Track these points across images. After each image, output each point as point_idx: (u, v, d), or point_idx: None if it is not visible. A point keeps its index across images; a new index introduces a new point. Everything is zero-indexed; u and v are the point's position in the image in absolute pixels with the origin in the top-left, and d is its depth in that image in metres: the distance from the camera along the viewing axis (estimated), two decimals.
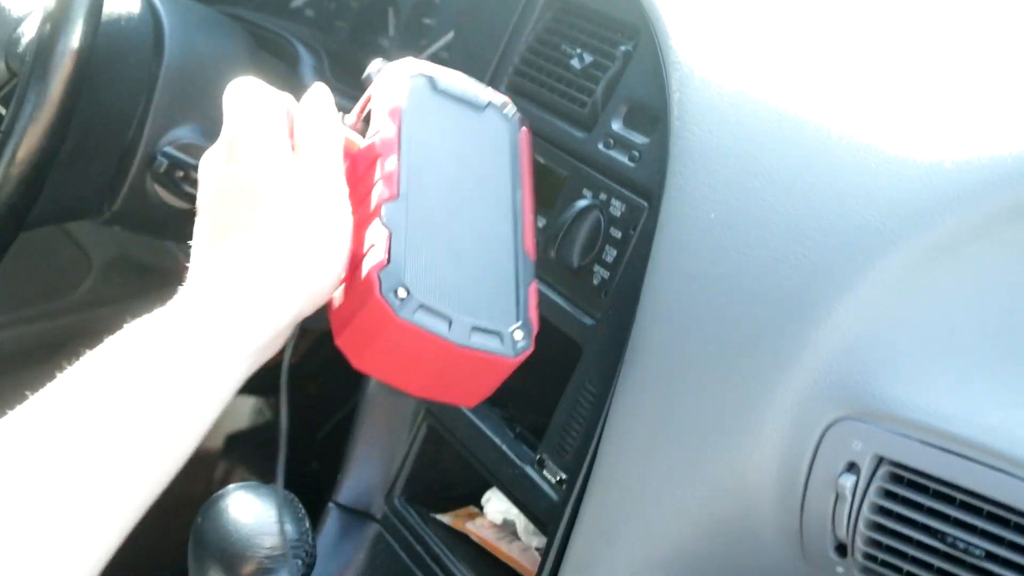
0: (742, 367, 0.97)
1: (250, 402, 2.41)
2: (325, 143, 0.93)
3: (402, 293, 0.90)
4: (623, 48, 1.23)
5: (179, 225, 1.60)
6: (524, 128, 1.04)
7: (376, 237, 0.91)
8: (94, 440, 0.80)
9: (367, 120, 1.02)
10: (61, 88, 1.25)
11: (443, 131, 1.01)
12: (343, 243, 0.91)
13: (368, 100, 1.03)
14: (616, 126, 1.20)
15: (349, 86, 1.61)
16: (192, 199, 1.53)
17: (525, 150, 1.05)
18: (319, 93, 0.97)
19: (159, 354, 0.83)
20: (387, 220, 0.92)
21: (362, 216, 0.93)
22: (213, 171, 0.95)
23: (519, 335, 0.95)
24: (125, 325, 0.89)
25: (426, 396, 1.00)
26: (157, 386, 0.82)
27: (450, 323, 0.91)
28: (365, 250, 0.92)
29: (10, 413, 0.81)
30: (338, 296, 0.94)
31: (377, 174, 0.94)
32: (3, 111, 1.38)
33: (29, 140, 1.26)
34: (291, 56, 1.68)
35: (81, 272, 2.36)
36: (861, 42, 1.09)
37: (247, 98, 0.95)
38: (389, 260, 0.90)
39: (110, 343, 0.84)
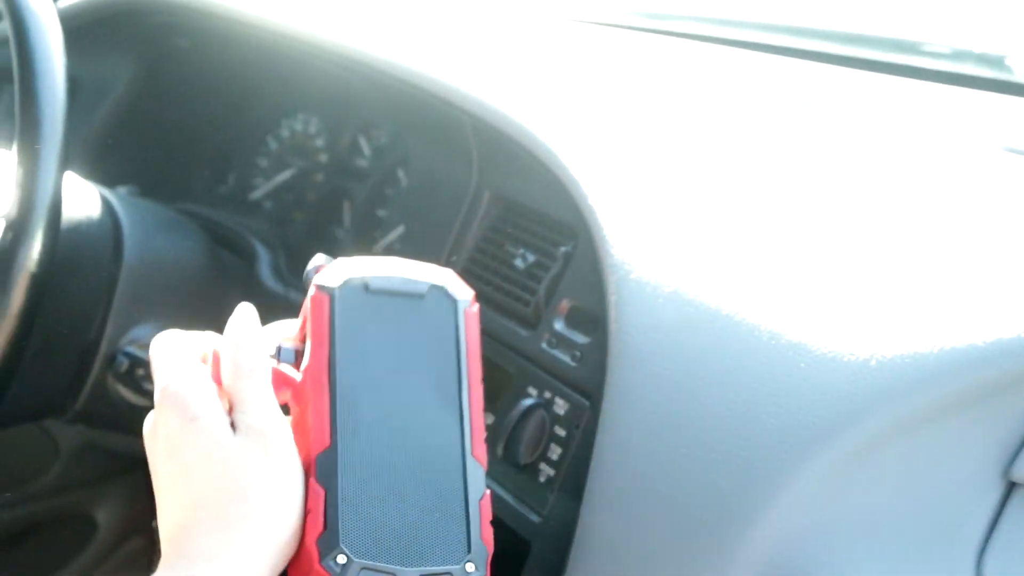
0: (682, 566, 0.98)
1: None
2: (251, 395, 0.90)
3: (341, 559, 0.88)
4: (563, 249, 1.26)
5: (141, 421, 1.62)
6: (469, 309, 0.99)
7: (313, 500, 0.90)
8: None
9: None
10: (21, 300, 1.28)
11: (380, 341, 0.98)
12: (288, 498, 0.88)
13: (304, 320, 1.01)
14: (559, 326, 1.22)
15: (303, 286, 1.64)
16: (152, 396, 1.56)
17: (472, 334, 1.00)
18: (241, 327, 0.97)
19: None
20: (321, 477, 0.90)
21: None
22: (150, 442, 0.94)
23: (471, 567, 0.92)
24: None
25: None
26: None
27: None
28: (305, 515, 0.90)
29: None
30: (291, 562, 0.91)
31: (311, 414, 0.92)
32: None
33: None
34: (248, 252, 1.71)
35: (48, 458, 2.36)
36: (787, 243, 1.12)
37: (166, 356, 0.95)
38: (325, 525, 0.89)
39: None
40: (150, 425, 0.94)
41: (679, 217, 1.19)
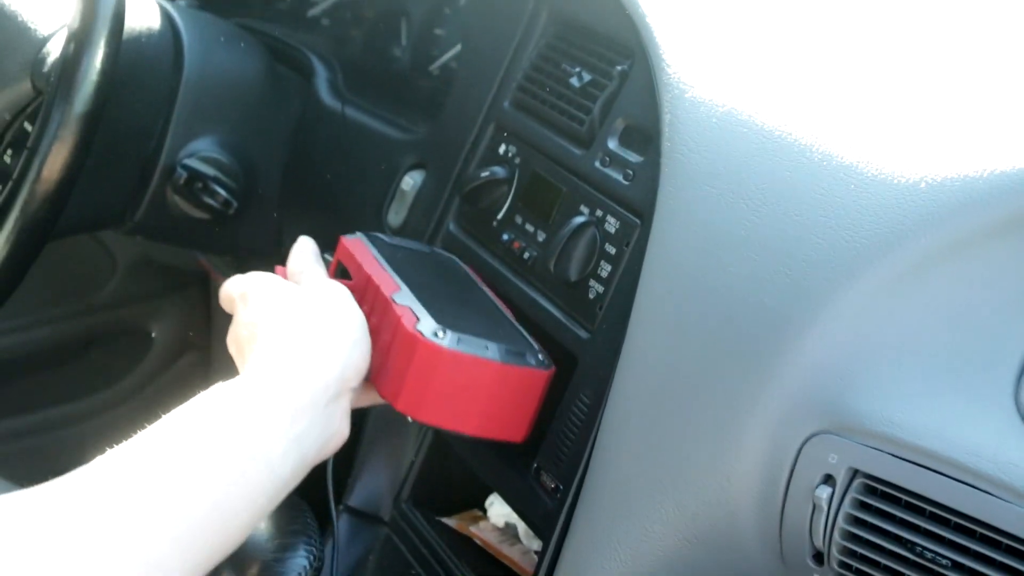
0: (724, 382, 1.01)
1: None
2: (310, 271, 1.18)
3: (441, 334, 1.08)
4: (619, 68, 1.26)
5: (198, 234, 1.66)
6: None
7: (399, 313, 1.10)
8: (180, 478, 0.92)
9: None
10: (84, 107, 1.30)
11: (406, 255, 1.26)
12: (352, 326, 1.08)
13: (336, 260, 1.27)
14: (612, 144, 1.23)
15: (361, 97, 1.66)
16: (210, 209, 1.59)
17: (473, 272, 1.32)
18: (303, 247, 1.23)
19: (227, 416, 0.98)
20: (400, 302, 1.12)
21: (377, 319, 1.12)
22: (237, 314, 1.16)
23: (541, 355, 1.14)
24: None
25: (481, 433, 1.14)
26: (228, 440, 0.96)
27: (487, 347, 1.10)
28: (392, 328, 1.10)
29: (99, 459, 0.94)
30: (382, 372, 1.10)
31: (376, 280, 1.15)
32: (30, 128, 1.43)
33: (54, 158, 1.30)
34: (306, 69, 1.73)
35: (107, 272, 2.41)
36: (844, 65, 1.13)
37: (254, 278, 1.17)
38: (417, 319, 1.09)
39: (184, 408, 0.98)
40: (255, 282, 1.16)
41: (736, 39, 1.19)
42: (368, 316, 1.11)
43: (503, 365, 1.10)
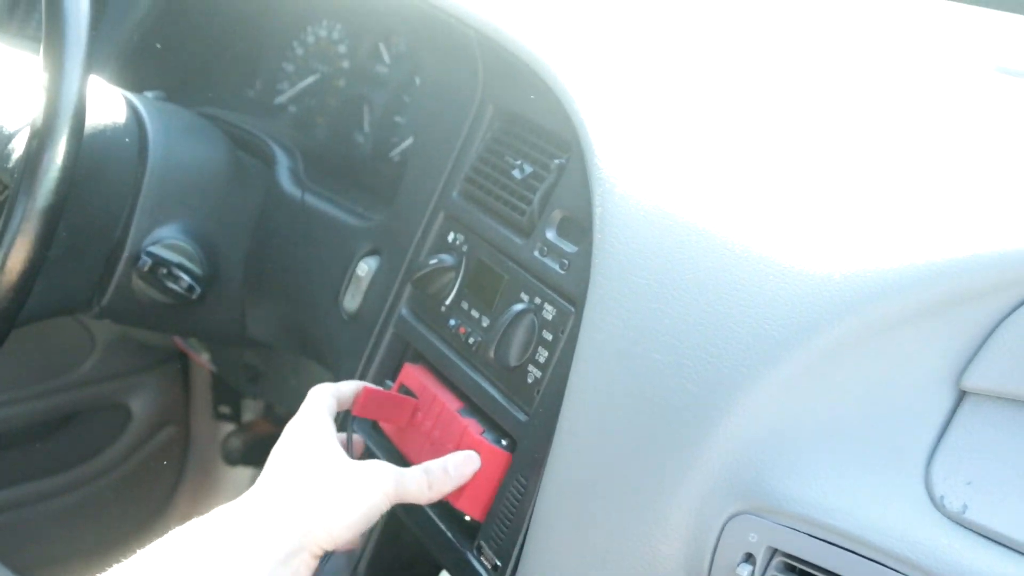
0: (650, 464, 1.04)
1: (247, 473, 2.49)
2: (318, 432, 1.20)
3: (504, 441, 1.25)
4: (557, 161, 1.30)
5: (164, 317, 1.70)
6: None
7: (465, 423, 1.27)
8: None
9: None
10: (46, 202, 1.33)
11: None
12: (336, 496, 1.13)
13: (399, 382, 1.39)
14: (550, 235, 1.27)
15: (321, 184, 1.69)
16: (174, 294, 1.62)
17: None
18: (315, 401, 1.24)
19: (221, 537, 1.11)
20: (464, 416, 1.29)
21: (442, 431, 1.28)
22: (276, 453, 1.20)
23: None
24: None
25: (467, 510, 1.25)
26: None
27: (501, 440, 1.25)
28: (458, 437, 1.25)
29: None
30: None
31: (442, 398, 1.31)
32: None
33: (17, 250, 1.33)
34: (268, 156, 1.76)
35: (86, 349, 2.44)
36: (765, 162, 1.16)
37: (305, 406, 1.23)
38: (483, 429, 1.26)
39: (186, 528, 1.11)
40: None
41: (667, 136, 1.23)
42: (431, 429, 1.29)
43: (505, 454, 1.23)
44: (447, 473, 1.19)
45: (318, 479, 1.14)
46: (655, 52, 1.38)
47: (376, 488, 1.14)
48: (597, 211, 1.17)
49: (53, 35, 1.35)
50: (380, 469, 1.15)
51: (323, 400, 1.22)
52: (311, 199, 1.70)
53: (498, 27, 1.40)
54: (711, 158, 1.19)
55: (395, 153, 1.82)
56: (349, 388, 1.27)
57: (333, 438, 1.19)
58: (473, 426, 1.24)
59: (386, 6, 1.71)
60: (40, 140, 1.33)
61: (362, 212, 1.64)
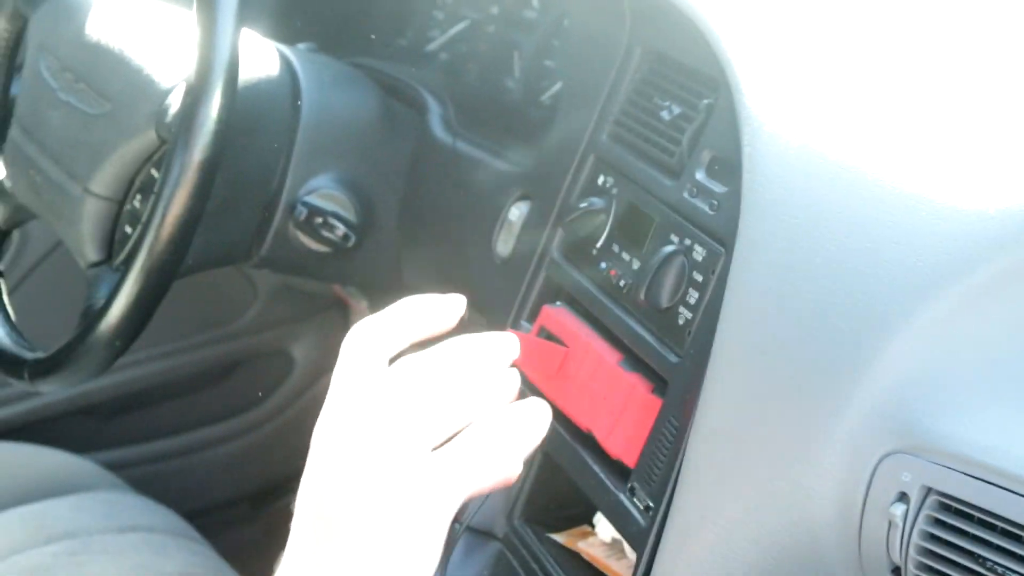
0: (803, 403, 1.04)
1: None
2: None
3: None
4: (706, 101, 1.30)
5: (321, 266, 1.74)
6: None
7: (632, 381, 1.25)
8: None
9: None
10: (203, 155, 1.37)
11: None
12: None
13: (538, 326, 1.38)
14: (699, 176, 1.27)
15: (472, 130, 1.71)
16: (330, 243, 1.66)
17: None
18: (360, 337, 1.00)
19: None
20: (627, 370, 1.27)
21: (603, 383, 1.26)
22: (317, 458, 0.96)
23: None
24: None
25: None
26: None
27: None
28: (626, 393, 1.25)
29: None
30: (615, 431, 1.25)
31: (598, 349, 1.29)
32: (156, 175, 1.51)
33: (177, 202, 1.38)
34: (419, 104, 1.79)
35: (247, 299, 2.50)
36: (918, 99, 1.15)
37: (350, 367, 0.99)
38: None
39: None
40: (322, 431, 0.97)
41: (814, 74, 1.22)
42: (588, 381, 1.27)
43: (658, 400, 1.23)
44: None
45: (369, 530, 0.91)
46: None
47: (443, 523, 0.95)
48: (746, 151, 1.16)
49: None
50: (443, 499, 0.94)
51: (365, 355, 0.97)
52: (462, 145, 1.71)
53: None
54: (858, 95, 1.18)
55: (545, 97, 1.82)
56: (406, 316, 1.00)
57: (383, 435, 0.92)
58: (640, 383, 1.24)
59: None
60: (195, 95, 1.37)
61: (513, 157, 1.65)
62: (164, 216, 1.38)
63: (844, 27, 1.29)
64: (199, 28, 1.38)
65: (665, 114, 1.34)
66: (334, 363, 2.08)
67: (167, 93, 1.50)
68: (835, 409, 1.02)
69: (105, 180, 1.54)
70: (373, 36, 2.07)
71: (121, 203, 1.56)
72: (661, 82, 1.38)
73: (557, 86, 1.77)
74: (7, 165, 1.73)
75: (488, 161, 1.67)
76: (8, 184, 1.73)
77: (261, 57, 1.66)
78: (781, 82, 1.20)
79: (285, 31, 1.98)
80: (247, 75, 1.59)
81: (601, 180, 1.42)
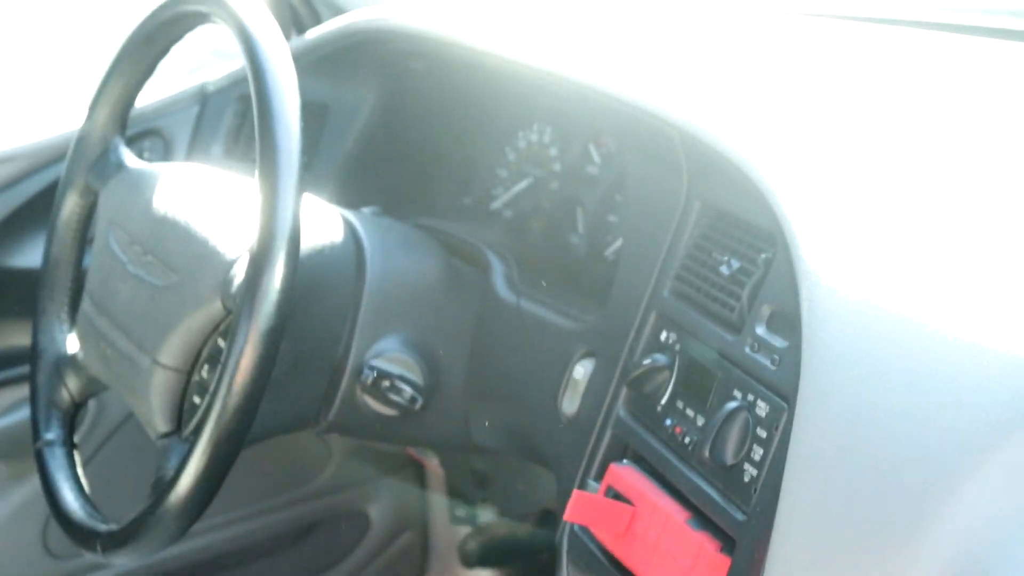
0: (872, 560, 1.03)
1: None
2: None
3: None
4: (764, 255, 1.31)
5: (389, 429, 1.74)
6: None
7: (700, 540, 1.24)
8: None
9: None
10: (267, 324, 1.39)
11: None
12: None
13: (606, 485, 1.38)
14: (760, 330, 1.27)
15: (535, 288, 1.72)
16: (398, 406, 1.67)
17: None
18: None
19: None
20: (695, 528, 1.26)
21: (670, 543, 1.26)
22: None
23: None
24: None
25: None
26: None
27: None
28: (694, 553, 1.23)
29: None
30: None
31: (665, 508, 1.29)
32: (222, 344, 1.53)
33: (242, 372, 1.39)
34: (483, 264, 1.80)
35: (323, 460, 2.51)
36: (969, 244, 1.16)
37: None
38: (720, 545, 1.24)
39: None
40: None
41: (870, 223, 1.22)
42: (657, 540, 1.27)
43: (727, 559, 1.22)
44: None
45: None
46: (853, 139, 1.37)
47: None
48: (804, 305, 1.17)
49: (266, 159, 1.42)
50: None
51: None
52: (526, 303, 1.72)
53: (698, 125, 1.41)
54: (915, 245, 1.18)
55: (609, 252, 1.84)
56: None
57: None
58: (708, 542, 1.23)
59: (592, 108, 1.74)
60: (257, 265, 1.40)
61: (576, 314, 1.65)
62: (230, 386, 1.39)
63: (898, 178, 1.29)
64: (261, 197, 1.41)
65: (724, 269, 1.35)
66: (410, 523, 2.08)
67: (232, 264, 1.52)
68: (905, 565, 1.01)
69: (173, 351, 1.56)
70: (437, 198, 2.10)
71: (189, 373, 1.57)
72: (719, 237, 1.40)
73: (619, 242, 1.79)
74: (80, 338, 1.76)
75: (552, 319, 1.68)
76: (81, 356, 1.76)
77: (325, 223, 1.69)
78: (837, 235, 1.21)
79: (350, 195, 2.02)
80: (311, 242, 1.62)
81: (664, 336, 1.43)
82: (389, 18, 2.01)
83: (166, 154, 2.42)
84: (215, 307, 1.53)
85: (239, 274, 1.50)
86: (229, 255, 1.54)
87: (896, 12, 2.00)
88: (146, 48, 1.74)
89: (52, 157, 2.29)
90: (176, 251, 1.61)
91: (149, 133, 2.40)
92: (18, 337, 2.20)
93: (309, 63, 2.13)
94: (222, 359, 1.42)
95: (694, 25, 1.97)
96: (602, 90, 1.59)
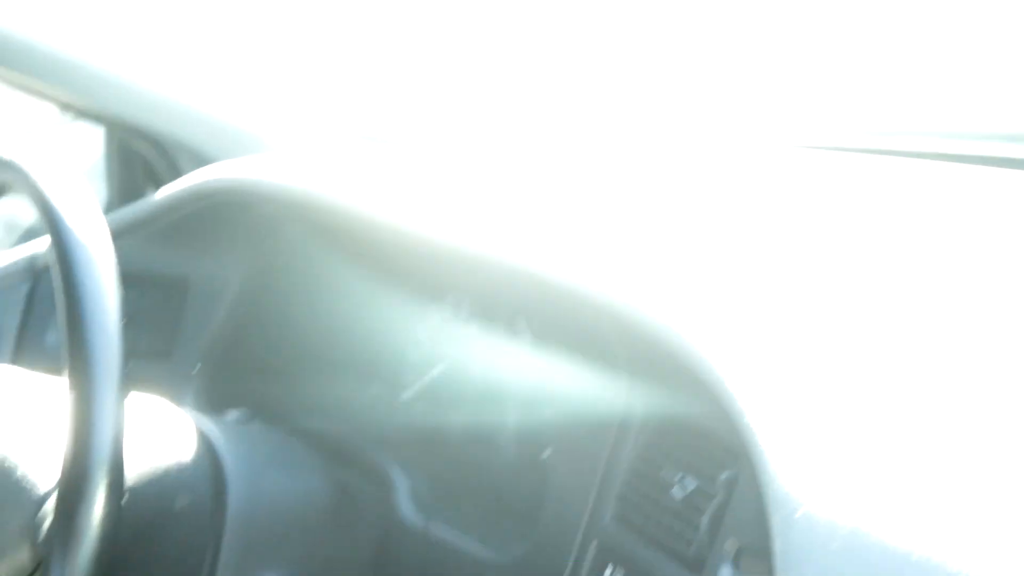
0: None
1: None
2: None
3: None
4: (725, 474, 1.24)
5: None
6: None
7: None
8: None
9: None
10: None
11: None
12: None
13: None
14: (726, 572, 1.19)
15: (451, 507, 1.67)
16: None
17: None
18: None
19: None
20: None
21: None
22: None
23: None
24: None
25: None
26: None
27: None
28: None
29: None
30: None
31: None
32: None
33: None
34: (383, 479, 1.74)
35: None
36: (977, 472, 1.09)
37: None
38: None
39: None
40: None
41: (858, 432, 1.14)
42: None
43: None
44: None
45: None
46: (833, 323, 1.31)
47: None
48: (777, 544, 1.07)
49: (76, 365, 1.31)
50: None
51: None
52: (437, 528, 1.66)
53: (641, 314, 1.34)
54: (913, 459, 1.10)
55: (547, 454, 1.76)
56: None
57: None
58: None
59: (513, 282, 1.67)
60: (67, 502, 1.28)
61: (500, 542, 1.59)
62: None
63: (888, 371, 1.22)
64: (70, 414, 1.29)
65: (677, 491, 1.28)
66: None
67: (43, 501, 1.42)
68: None
69: None
70: (329, 391, 2.02)
71: None
72: (670, 449, 1.33)
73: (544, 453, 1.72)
74: None
75: (469, 548, 1.62)
76: None
77: (171, 436, 1.60)
78: (815, 448, 1.12)
79: (216, 394, 1.95)
80: (151, 463, 1.54)
81: (609, 573, 1.36)
82: (257, 175, 1.95)
83: None
84: (22, 557, 1.42)
85: (51, 514, 1.39)
86: (39, 490, 1.44)
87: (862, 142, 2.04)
88: None
89: None
90: None
91: None
92: None
93: (162, 228, 2.07)
94: None
95: (630, 180, 1.95)
96: (513, 266, 1.54)
